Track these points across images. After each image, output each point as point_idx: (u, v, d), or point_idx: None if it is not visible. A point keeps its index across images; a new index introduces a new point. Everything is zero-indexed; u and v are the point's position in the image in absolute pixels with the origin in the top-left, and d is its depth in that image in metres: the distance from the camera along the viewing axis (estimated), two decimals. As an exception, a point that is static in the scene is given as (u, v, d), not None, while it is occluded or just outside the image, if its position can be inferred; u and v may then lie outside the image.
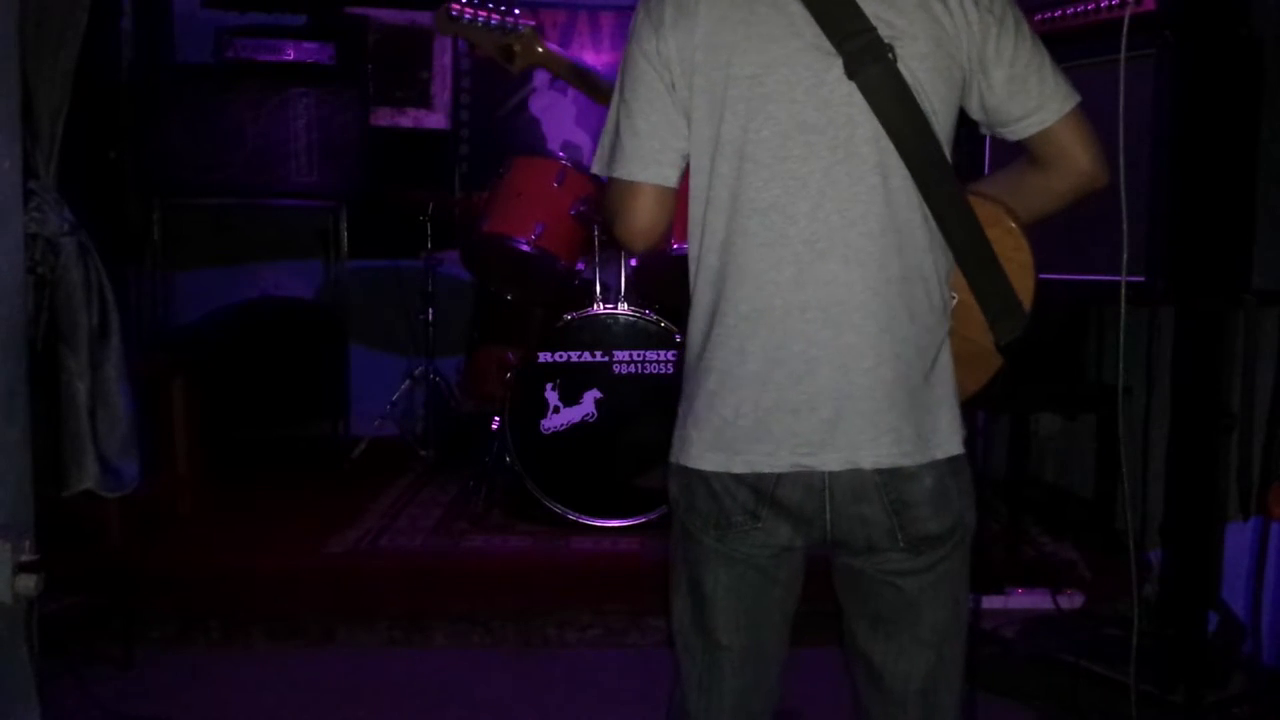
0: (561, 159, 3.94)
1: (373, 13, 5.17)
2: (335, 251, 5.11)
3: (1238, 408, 2.51)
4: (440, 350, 4.68)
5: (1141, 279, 2.33)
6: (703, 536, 1.45)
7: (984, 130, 1.48)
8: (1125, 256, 1.76)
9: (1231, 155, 2.37)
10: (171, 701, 2.74)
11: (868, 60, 1.34)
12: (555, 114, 5.30)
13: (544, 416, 3.64)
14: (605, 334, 3.66)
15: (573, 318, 3.66)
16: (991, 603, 3.08)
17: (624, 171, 1.46)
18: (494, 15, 1.89)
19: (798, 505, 1.39)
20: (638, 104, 1.44)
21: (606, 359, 3.65)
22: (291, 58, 4.76)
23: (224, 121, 4.68)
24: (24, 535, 1.36)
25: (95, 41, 2.11)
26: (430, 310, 4.57)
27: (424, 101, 5.29)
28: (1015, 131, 1.44)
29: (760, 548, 1.42)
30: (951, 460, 1.41)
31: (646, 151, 1.45)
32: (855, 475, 1.37)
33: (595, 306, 3.67)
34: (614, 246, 3.74)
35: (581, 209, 3.74)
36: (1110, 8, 2.41)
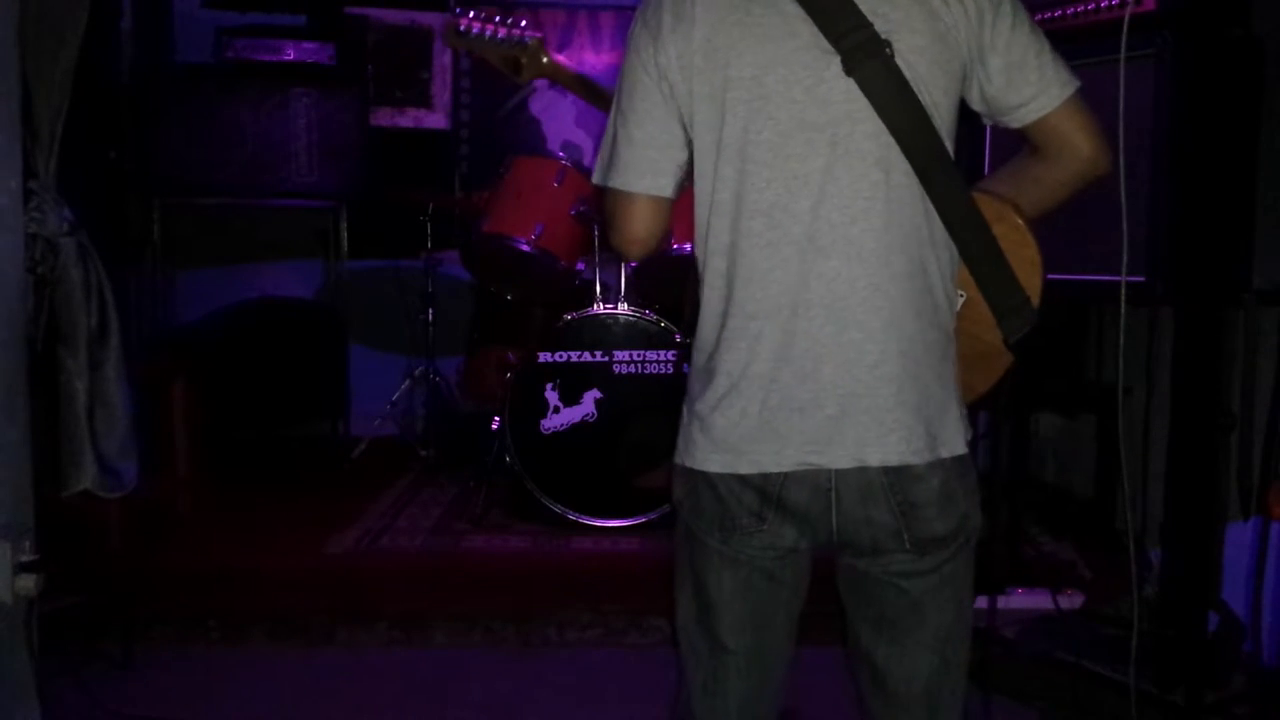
0: (562, 159, 3.94)
1: (373, 13, 5.17)
2: (335, 251, 5.11)
3: (1238, 408, 2.51)
4: (440, 350, 4.69)
5: (1141, 279, 2.33)
6: (707, 539, 1.44)
7: (985, 120, 1.47)
8: (1125, 256, 1.76)
9: (1231, 155, 2.37)
10: (171, 701, 2.74)
11: (865, 56, 1.33)
12: (555, 114, 5.30)
13: (544, 416, 3.65)
14: (605, 334, 3.66)
15: (573, 318, 3.66)
16: (991, 603, 3.07)
17: (619, 181, 1.47)
18: (500, 29, 1.90)
19: (804, 506, 1.39)
20: (634, 114, 1.44)
21: (606, 359, 3.65)
22: (291, 58, 4.76)
23: (224, 121, 4.68)
24: (24, 535, 1.37)
25: (95, 41, 2.11)
26: (430, 310, 4.58)
27: (424, 101, 5.29)
28: (1016, 119, 1.43)
29: (765, 550, 1.42)
30: (957, 460, 1.40)
31: (642, 161, 1.45)
32: (862, 475, 1.37)
33: (595, 306, 3.67)
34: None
35: (581, 209, 3.74)
36: (1110, 8, 2.41)
